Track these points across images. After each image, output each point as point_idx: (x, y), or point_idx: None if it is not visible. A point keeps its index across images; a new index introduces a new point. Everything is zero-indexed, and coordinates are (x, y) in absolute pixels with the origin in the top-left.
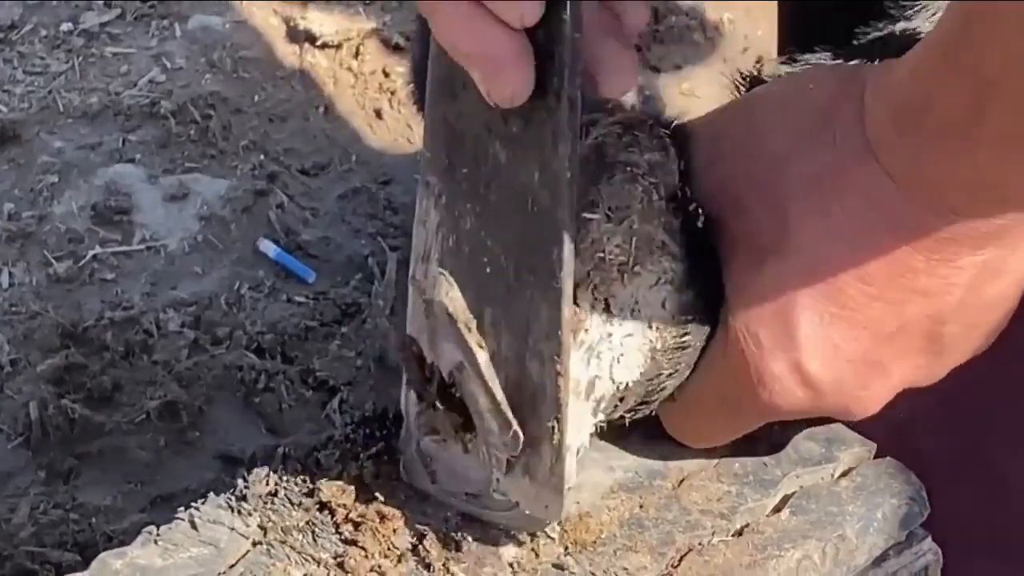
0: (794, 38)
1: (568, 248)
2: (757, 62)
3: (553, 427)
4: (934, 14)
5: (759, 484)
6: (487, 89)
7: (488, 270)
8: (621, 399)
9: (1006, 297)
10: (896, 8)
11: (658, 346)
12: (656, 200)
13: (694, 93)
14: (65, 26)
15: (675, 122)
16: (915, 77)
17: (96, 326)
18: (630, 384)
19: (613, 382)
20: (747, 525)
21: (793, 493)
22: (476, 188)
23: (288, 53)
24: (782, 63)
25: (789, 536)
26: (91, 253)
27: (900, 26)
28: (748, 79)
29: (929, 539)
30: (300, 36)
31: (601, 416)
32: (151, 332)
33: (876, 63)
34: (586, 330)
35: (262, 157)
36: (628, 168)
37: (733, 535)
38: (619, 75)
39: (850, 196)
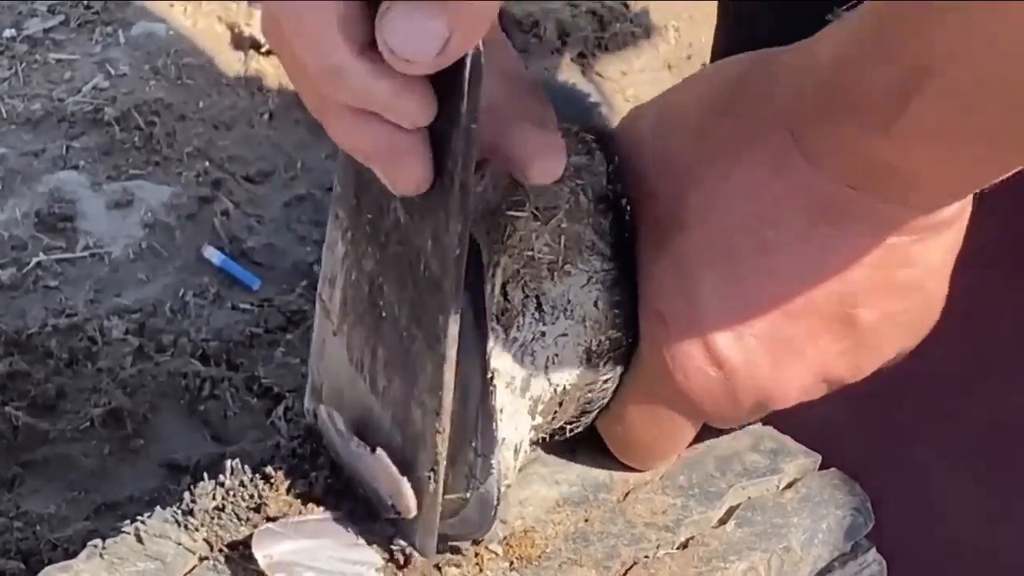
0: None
1: (453, 319)
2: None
3: (430, 477)
4: None
5: (704, 496)
6: (389, 182)
7: (383, 314)
8: (560, 403)
9: (921, 288)
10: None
11: (593, 347)
12: (584, 200)
13: (639, 99)
14: (8, 32)
15: (607, 130)
16: (839, 60)
17: (40, 333)
18: (567, 387)
19: (550, 383)
20: (692, 537)
21: (738, 505)
22: (378, 235)
23: (233, 60)
24: None
25: (734, 548)
26: (35, 260)
27: None
28: None
29: (874, 550)
30: (245, 43)
31: (540, 419)
32: (95, 339)
33: (789, 47)
34: (518, 327)
35: (207, 164)
36: None
37: (678, 548)
38: (547, 161)
39: (752, 162)
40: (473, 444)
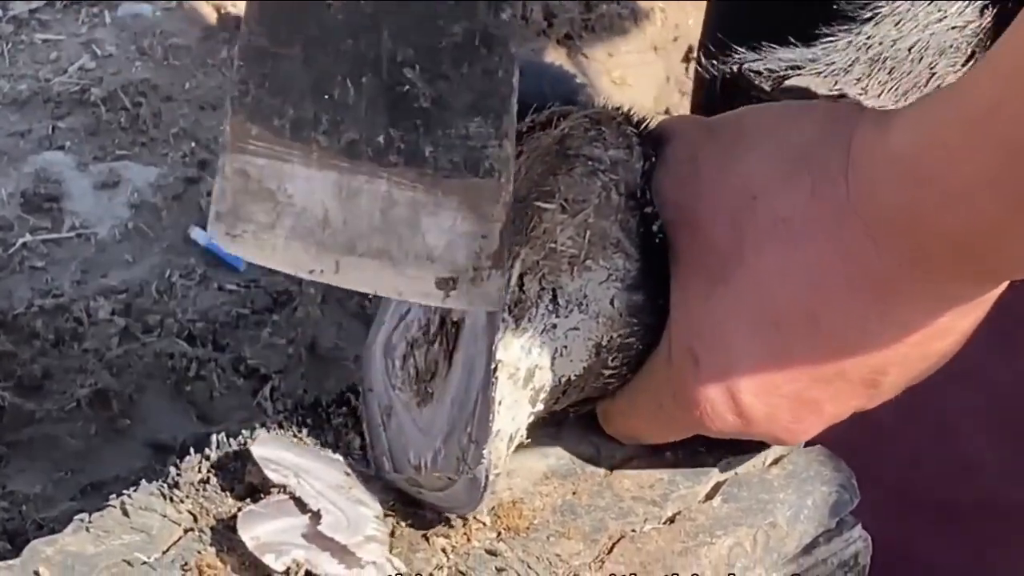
0: (719, 32)
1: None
2: (688, 51)
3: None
4: (899, 23)
5: (691, 471)
6: None
7: None
8: (563, 392)
9: (946, 354)
10: (853, 9)
11: (603, 343)
12: (615, 197)
13: (625, 81)
14: None
15: (649, 122)
16: (927, 143)
17: (26, 314)
18: (572, 378)
19: (555, 374)
20: (679, 512)
21: (725, 480)
22: None
23: (219, 40)
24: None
25: (721, 523)
26: (20, 241)
27: (863, 36)
28: (719, 76)
29: (859, 526)
30: (231, 23)
31: (541, 407)
32: (81, 320)
33: (866, 111)
34: (529, 318)
35: (193, 145)
36: (589, 162)
37: (665, 522)
38: None
39: (819, 243)
40: (468, 429)
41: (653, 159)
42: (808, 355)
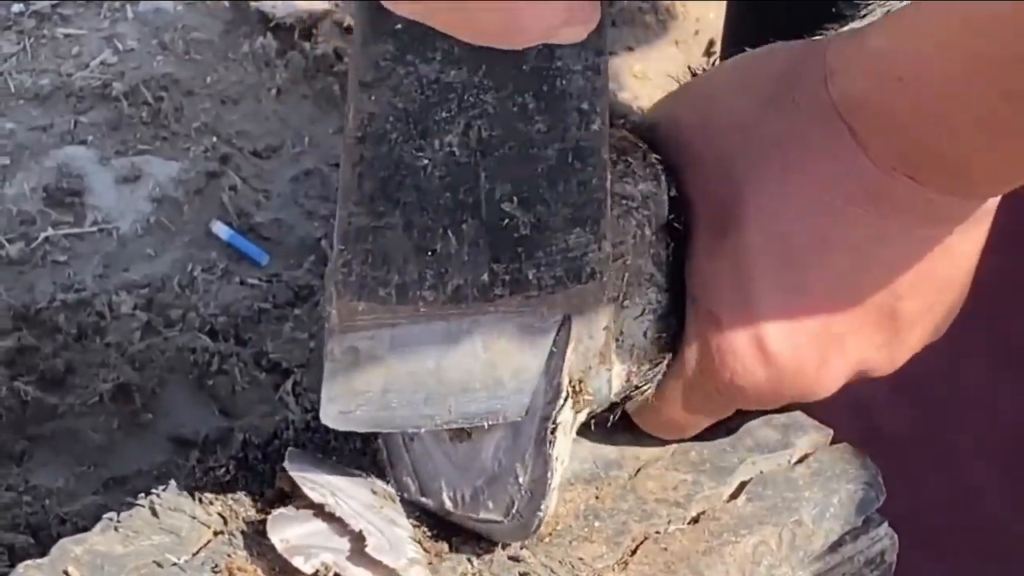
0: (739, 37)
1: None
2: (710, 45)
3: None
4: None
5: (715, 471)
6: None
7: None
8: (593, 412)
9: (956, 280)
10: (850, 8)
11: (634, 369)
12: (648, 234)
13: (646, 75)
14: (16, 7)
15: (652, 123)
16: (901, 45)
17: (48, 308)
18: (609, 405)
19: (594, 408)
20: (703, 512)
21: (749, 480)
22: None
23: (240, 35)
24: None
25: (745, 522)
26: (43, 235)
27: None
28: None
29: (886, 524)
30: (252, 18)
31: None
32: (103, 314)
33: (834, 34)
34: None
35: (214, 139)
36: (624, 200)
37: (689, 523)
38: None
39: (811, 159)
40: (520, 480)
41: (677, 189)
42: (825, 283)
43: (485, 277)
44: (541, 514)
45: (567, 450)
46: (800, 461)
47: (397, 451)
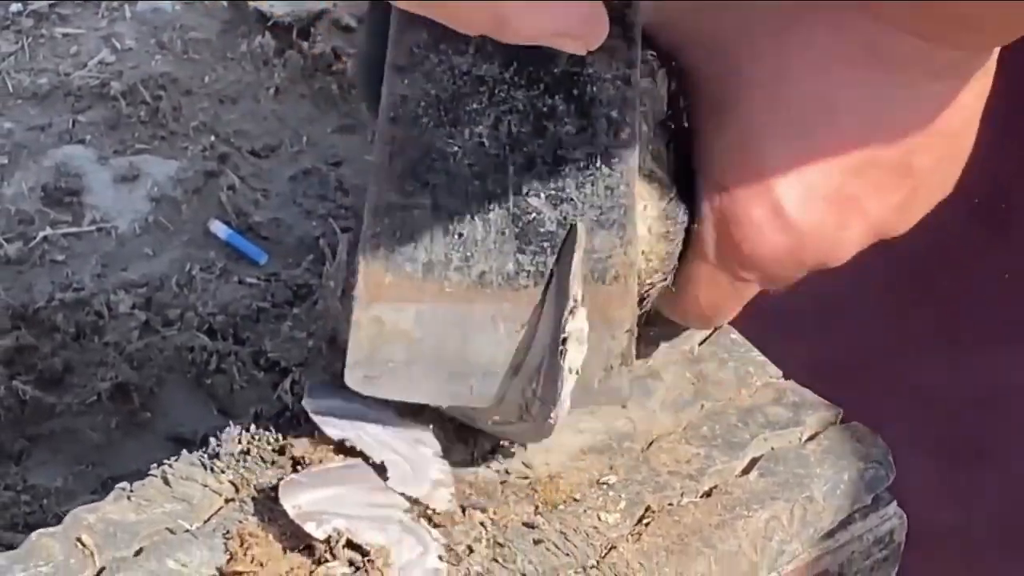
0: None
1: None
2: None
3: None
4: None
5: (727, 446)
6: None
7: None
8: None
9: (963, 132)
10: None
11: (643, 266)
12: (646, 130)
13: None
14: (15, 7)
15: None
16: None
17: (47, 308)
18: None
19: None
20: (716, 486)
21: (761, 456)
22: None
23: (238, 34)
24: None
25: (757, 497)
26: (41, 234)
27: None
28: None
29: (895, 504)
30: (250, 17)
31: None
32: (102, 314)
33: None
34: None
35: (212, 138)
36: None
37: (702, 496)
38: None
39: (811, 21)
40: (533, 384)
41: (678, 78)
42: (835, 145)
43: (510, 266)
44: (552, 419)
45: (579, 361)
46: (811, 439)
47: None
